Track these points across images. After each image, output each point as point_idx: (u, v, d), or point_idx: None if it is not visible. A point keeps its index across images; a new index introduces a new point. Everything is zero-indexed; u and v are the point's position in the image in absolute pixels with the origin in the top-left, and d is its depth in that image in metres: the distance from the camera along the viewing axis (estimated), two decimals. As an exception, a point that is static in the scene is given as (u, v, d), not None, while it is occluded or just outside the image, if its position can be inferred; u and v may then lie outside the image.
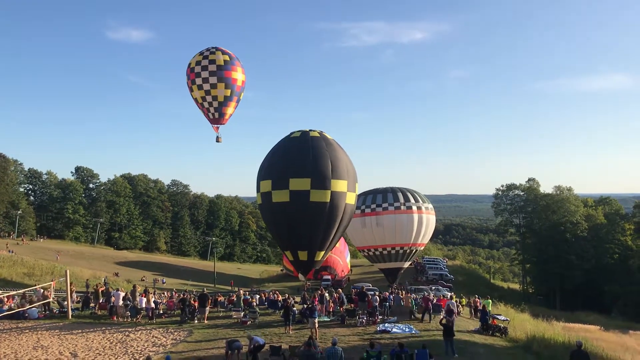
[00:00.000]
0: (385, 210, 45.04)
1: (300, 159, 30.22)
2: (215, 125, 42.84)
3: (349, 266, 77.21)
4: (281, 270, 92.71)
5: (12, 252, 68.83)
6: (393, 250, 45.36)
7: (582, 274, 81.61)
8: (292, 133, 32.98)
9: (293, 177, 29.68)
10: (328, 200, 29.64)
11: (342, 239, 68.40)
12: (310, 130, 32.51)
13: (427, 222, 45.96)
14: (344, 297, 32.02)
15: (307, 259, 31.66)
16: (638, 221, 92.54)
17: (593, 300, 79.05)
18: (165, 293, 40.98)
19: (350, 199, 31.14)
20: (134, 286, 37.84)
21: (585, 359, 16.49)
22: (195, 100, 42.14)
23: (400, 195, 45.54)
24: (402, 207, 44.80)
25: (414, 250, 46.84)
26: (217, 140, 43.61)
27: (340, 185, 30.18)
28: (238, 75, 41.59)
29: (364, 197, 47.27)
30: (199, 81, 40.77)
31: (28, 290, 32.37)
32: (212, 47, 41.93)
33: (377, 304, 29.37)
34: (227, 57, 41.15)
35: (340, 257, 73.30)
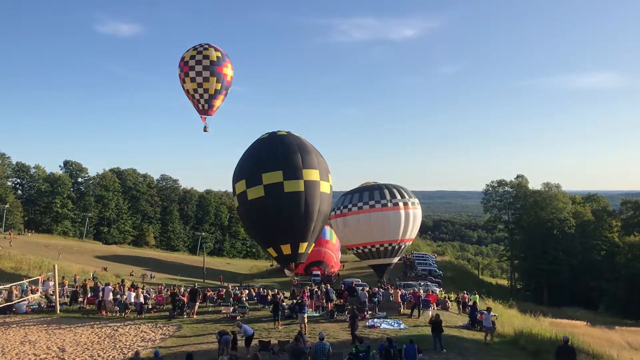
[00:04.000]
0: (372, 208, 45.05)
1: (270, 155, 31.31)
2: (203, 116, 45.14)
3: (340, 262, 77.25)
4: (271, 265, 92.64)
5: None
6: (382, 247, 45.40)
7: (569, 270, 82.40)
8: (261, 136, 34.09)
9: (265, 172, 30.49)
10: (302, 189, 30.43)
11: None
12: (278, 131, 33.73)
13: (413, 217, 46.07)
14: (331, 292, 31.57)
15: (290, 252, 31.90)
16: (625, 218, 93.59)
17: (580, 296, 79.91)
18: (161, 288, 40.91)
19: (325, 187, 31.84)
20: (122, 280, 37.81)
21: (572, 354, 16.63)
22: (187, 91, 44.15)
23: (386, 192, 45.55)
24: (389, 204, 44.82)
25: (403, 246, 46.95)
26: (205, 129, 45.97)
27: (312, 175, 31.03)
28: (228, 71, 43.97)
29: (350, 196, 47.33)
30: (192, 74, 42.86)
31: (15, 285, 32.19)
32: (205, 44, 44.19)
33: (366, 299, 29.45)
34: (219, 54, 43.52)
35: (334, 253, 73.34)
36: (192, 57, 42.96)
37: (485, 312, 24.14)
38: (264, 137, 33.64)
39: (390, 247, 45.43)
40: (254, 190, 30.72)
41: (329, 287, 33.19)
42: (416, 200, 47.29)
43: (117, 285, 33.76)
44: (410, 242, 50.43)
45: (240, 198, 31.92)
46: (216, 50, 43.53)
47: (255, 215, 31.72)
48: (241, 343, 19.35)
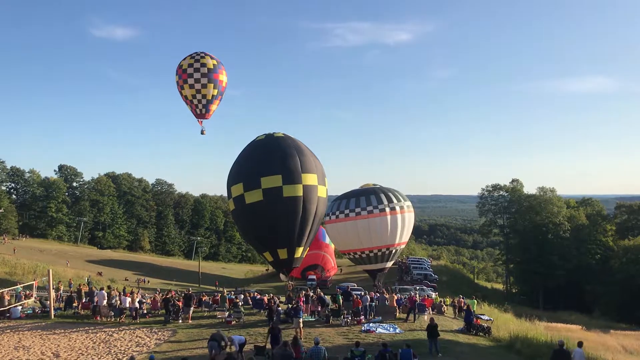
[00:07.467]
0: (369, 214, 45.00)
1: (268, 158, 31.16)
2: (200, 120, 47.13)
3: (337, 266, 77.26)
4: (266, 270, 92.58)
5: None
6: (379, 252, 45.35)
7: (564, 274, 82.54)
8: (257, 137, 33.96)
9: (264, 176, 30.36)
10: (301, 194, 30.43)
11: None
12: (274, 132, 33.73)
13: (406, 221, 46.08)
14: (325, 297, 31.35)
15: (287, 256, 31.84)
16: (619, 222, 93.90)
17: (575, 300, 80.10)
18: (157, 292, 40.77)
19: (322, 192, 31.99)
20: (109, 286, 37.63)
21: (567, 358, 16.69)
22: (185, 97, 45.89)
23: (382, 196, 45.52)
24: (387, 208, 44.83)
25: (397, 250, 46.99)
26: (202, 132, 47.94)
27: (310, 179, 31.05)
28: (223, 77, 46.16)
29: (346, 200, 47.06)
30: (190, 81, 44.76)
31: (8, 290, 32.03)
32: (201, 52, 46.32)
33: (369, 303, 29.46)
34: (215, 62, 45.66)
35: (332, 257, 73.39)
36: (190, 65, 44.67)
37: (578, 349, 17.16)
38: (261, 138, 33.36)
39: (387, 252, 45.43)
40: (253, 194, 30.52)
41: (320, 293, 33.14)
42: (409, 204, 47.36)
43: (111, 290, 33.60)
44: (404, 245, 50.48)
45: (237, 201, 31.70)
46: (212, 58, 45.48)
47: (253, 219, 31.53)
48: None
